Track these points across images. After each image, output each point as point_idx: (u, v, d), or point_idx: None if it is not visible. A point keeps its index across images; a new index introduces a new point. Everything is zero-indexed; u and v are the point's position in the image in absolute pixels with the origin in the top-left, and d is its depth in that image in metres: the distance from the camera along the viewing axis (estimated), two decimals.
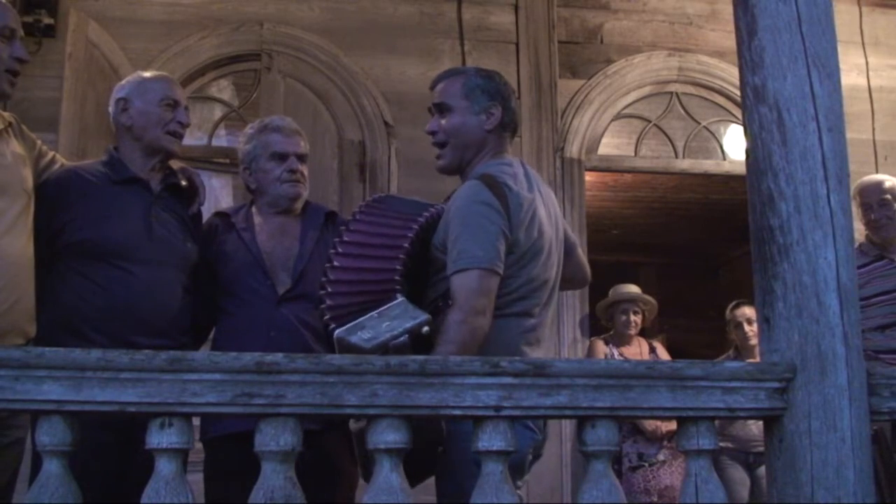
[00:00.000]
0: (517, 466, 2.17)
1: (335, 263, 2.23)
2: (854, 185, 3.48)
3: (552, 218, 2.39)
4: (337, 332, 2.13)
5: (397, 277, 2.19)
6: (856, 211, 3.57)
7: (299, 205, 2.83)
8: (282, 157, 2.77)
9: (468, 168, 2.38)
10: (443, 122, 2.38)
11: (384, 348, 2.06)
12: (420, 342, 2.10)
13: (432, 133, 2.41)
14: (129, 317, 2.48)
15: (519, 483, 2.21)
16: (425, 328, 2.10)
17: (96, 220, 2.54)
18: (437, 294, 2.25)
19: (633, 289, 5.12)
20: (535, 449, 2.30)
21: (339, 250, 2.23)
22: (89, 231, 2.53)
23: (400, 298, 2.16)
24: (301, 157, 2.81)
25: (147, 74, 2.79)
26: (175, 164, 2.77)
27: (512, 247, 2.22)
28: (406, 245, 2.22)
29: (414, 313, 2.13)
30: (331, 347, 2.64)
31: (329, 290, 2.24)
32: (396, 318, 2.12)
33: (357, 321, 2.12)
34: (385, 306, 2.14)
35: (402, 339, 2.07)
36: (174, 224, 2.66)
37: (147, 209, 2.61)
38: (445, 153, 2.40)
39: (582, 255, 2.64)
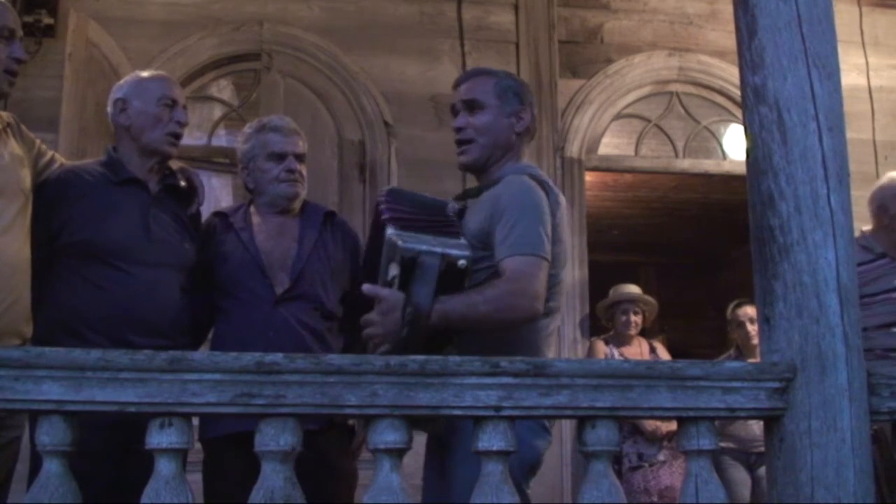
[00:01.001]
0: (533, 467, 2.20)
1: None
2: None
3: None
4: (389, 229, 2.08)
5: (453, 219, 2.20)
6: (873, 210, 3.53)
7: (297, 204, 2.83)
8: (280, 156, 2.77)
9: (493, 168, 2.36)
10: (472, 118, 2.36)
11: (414, 256, 2.03)
12: (454, 279, 2.06)
13: (460, 129, 2.38)
14: (127, 317, 2.48)
15: (531, 484, 2.23)
16: (462, 261, 2.06)
17: (94, 220, 2.54)
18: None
19: (634, 289, 5.12)
20: None
21: (387, 215, 2.17)
22: (87, 231, 2.52)
23: (463, 240, 2.14)
24: (299, 157, 2.80)
25: (145, 74, 2.78)
26: (174, 165, 2.77)
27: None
28: (453, 214, 2.22)
29: (463, 248, 2.10)
30: (329, 348, 2.64)
31: (389, 215, 2.19)
32: (445, 244, 2.09)
33: (415, 234, 2.10)
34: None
35: (434, 257, 2.04)
36: (172, 225, 2.66)
37: (145, 210, 2.60)
38: (472, 149, 2.36)
39: None
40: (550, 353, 2.32)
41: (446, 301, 2.05)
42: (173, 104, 2.66)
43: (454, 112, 2.43)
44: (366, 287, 2.12)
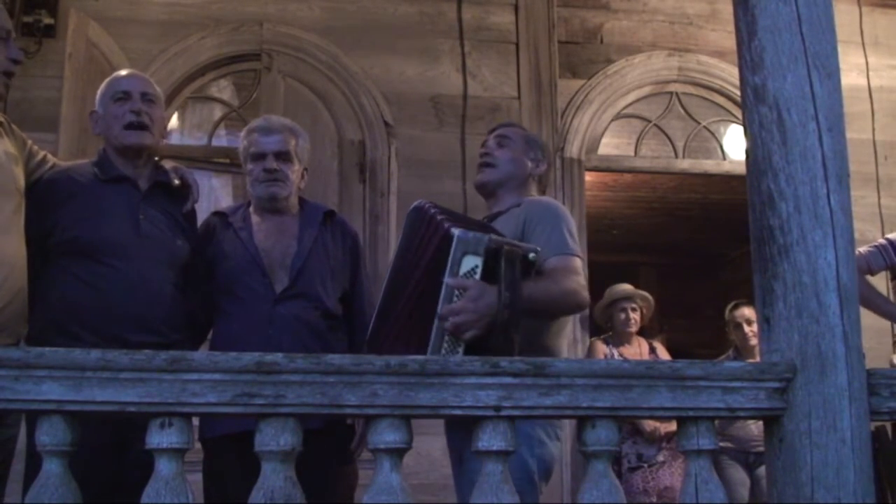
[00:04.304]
0: (549, 471, 2.40)
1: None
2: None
3: None
4: (457, 230, 2.18)
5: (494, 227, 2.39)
6: None
7: (289, 203, 2.81)
8: (257, 157, 2.77)
9: (505, 197, 2.64)
10: (498, 150, 2.69)
11: (498, 248, 2.16)
12: (524, 271, 2.21)
13: (486, 154, 2.70)
14: (116, 313, 2.48)
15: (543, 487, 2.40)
16: (532, 254, 2.22)
17: (84, 218, 2.54)
18: None
19: (628, 287, 5.11)
20: None
21: (442, 216, 2.29)
22: (77, 230, 2.53)
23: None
24: (280, 156, 2.76)
25: (107, 79, 2.79)
26: (168, 164, 2.78)
27: None
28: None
29: (529, 244, 2.29)
30: (329, 347, 2.64)
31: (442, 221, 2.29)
32: (512, 240, 2.28)
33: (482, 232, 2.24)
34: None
35: (514, 248, 2.19)
36: (164, 221, 2.66)
37: (134, 207, 2.61)
38: (491, 171, 2.67)
39: None
40: (565, 348, 2.56)
41: (528, 286, 2.21)
42: (126, 96, 2.65)
43: (485, 145, 2.74)
44: (449, 280, 2.18)
